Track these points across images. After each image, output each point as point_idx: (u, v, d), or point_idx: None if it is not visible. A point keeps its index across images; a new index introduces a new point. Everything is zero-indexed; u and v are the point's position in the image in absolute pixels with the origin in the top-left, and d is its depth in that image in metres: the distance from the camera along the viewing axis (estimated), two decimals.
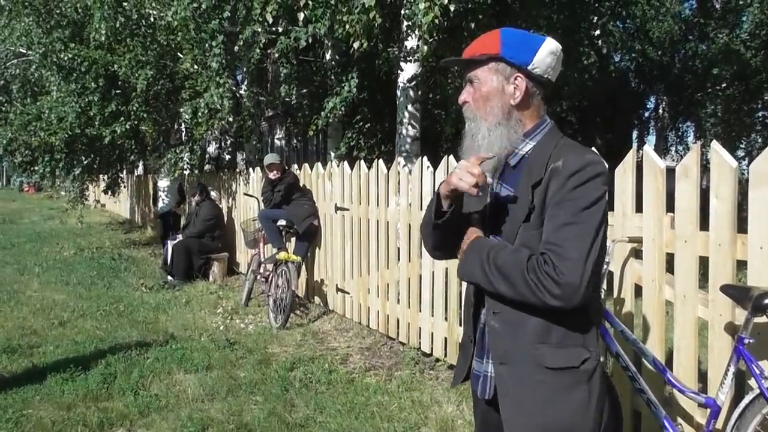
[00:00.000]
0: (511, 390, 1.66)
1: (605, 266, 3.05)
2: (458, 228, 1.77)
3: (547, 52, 1.66)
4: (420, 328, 5.03)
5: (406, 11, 6.48)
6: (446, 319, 4.73)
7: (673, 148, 21.91)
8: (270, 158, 7.00)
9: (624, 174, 3.31)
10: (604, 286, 2.98)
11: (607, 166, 1.61)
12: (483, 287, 1.68)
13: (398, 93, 8.01)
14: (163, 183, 10.95)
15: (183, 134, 11.61)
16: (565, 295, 1.50)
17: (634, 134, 20.99)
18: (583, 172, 1.54)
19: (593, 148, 3.14)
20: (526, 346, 1.62)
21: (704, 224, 2.89)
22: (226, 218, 9.43)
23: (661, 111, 21.01)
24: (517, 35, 1.69)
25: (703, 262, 2.93)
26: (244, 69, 9.31)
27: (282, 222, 6.50)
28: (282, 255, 6.25)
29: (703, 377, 3.07)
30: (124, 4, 8.65)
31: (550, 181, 1.58)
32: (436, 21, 5.80)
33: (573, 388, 1.60)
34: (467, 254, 1.70)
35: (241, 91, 10.13)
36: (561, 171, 1.57)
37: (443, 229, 1.75)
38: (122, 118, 9.56)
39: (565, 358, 1.60)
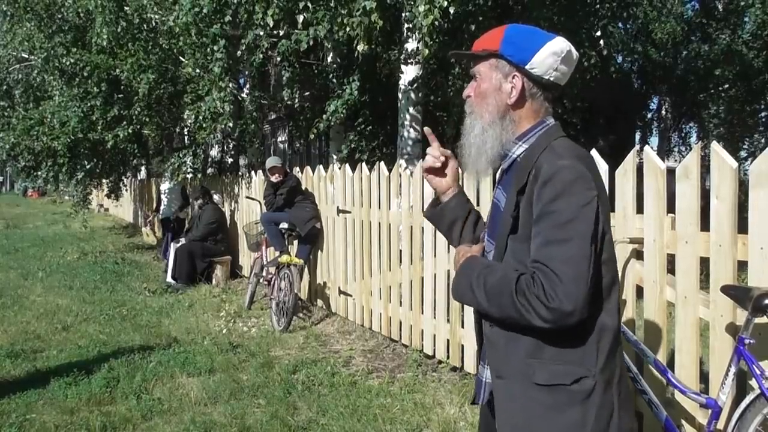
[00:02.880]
0: (503, 404, 1.63)
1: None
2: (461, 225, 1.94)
3: (548, 53, 1.58)
4: (422, 330, 5.03)
5: (407, 13, 6.50)
6: (448, 321, 4.73)
7: (676, 149, 21.91)
8: (272, 161, 7.02)
9: (625, 175, 3.31)
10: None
11: (584, 168, 1.50)
12: (476, 308, 1.67)
13: (399, 95, 8.03)
14: (164, 186, 10.99)
15: (185, 138, 11.65)
16: (555, 319, 1.42)
17: (637, 135, 20.98)
18: (555, 182, 1.46)
19: (593, 149, 3.15)
20: (519, 360, 1.56)
21: (705, 225, 2.89)
22: (228, 221, 9.44)
23: (663, 112, 21.00)
24: (522, 32, 1.64)
25: (704, 262, 2.93)
26: (246, 72, 9.35)
27: (284, 225, 6.51)
28: (284, 258, 6.26)
29: (704, 378, 3.07)
30: (126, 8, 8.68)
31: (533, 188, 1.51)
32: (437, 23, 5.81)
33: (564, 408, 1.51)
34: (458, 276, 1.66)
35: (243, 95, 10.15)
36: (538, 179, 1.50)
37: (436, 221, 1.98)
38: (125, 123, 9.60)
39: (554, 374, 1.52)
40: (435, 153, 1.87)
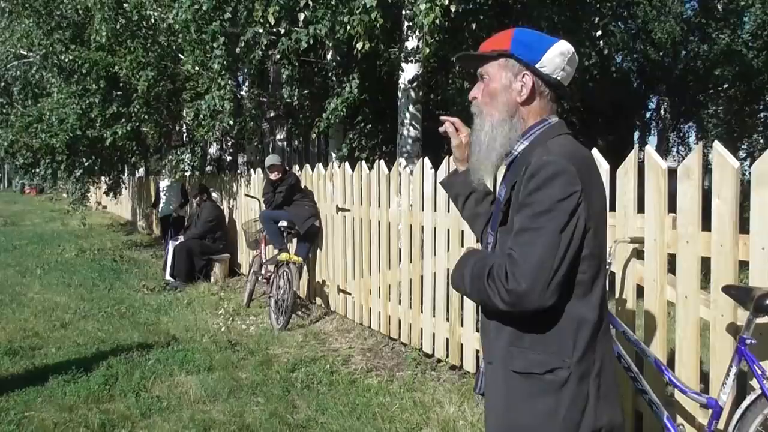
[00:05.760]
0: (490, 389, 1.71)
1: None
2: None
3: (557, 53, 1.66)
4: (421, 328, 5.03)
5: (408, 12, 6.48)
6: (448, 320, 4.73)
7: (675, 149, 21.93)
8: (271, 159, 7.00)
9: (626, 175, 3.31)
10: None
11: (569, 164, 1.53)
12: (466, 296, 1.74)
13: (399, 94, 8.01)
14: (163, 183, 10.98)
15: (184, 136, 11.62)
16: (512, 301, 1.49)
17: (636, 135, 21.00)
18: (538, 175, 1.52)
19: (594, 148, 3.14)
20: (503, 347, 1.63)
21: (706, 225, 2.89)
22: (227, 219, 9.43)
23: (662, 112, 21.01)
24: (529, 34, 1.71)
25: (705, 262, 2.92)
26: (246, 70, 9.32)
27: (283, 223, 6.50)
28: (283, 256, 6.25)
29: (704, 378, 3.07)
30: (125, 5, 8.65)
31: (521, 183, 1.57)
32: (438, 21, 5.80)
33: (537, 396, 1.57)
34: (456, 266, 1.74)
35: (243, 93, 10.14)
36: (526, 173, 1.56)
37: (446, 190, 2.09)
38: (123, 120, 9.57)
39: (529, 363, 1.58)
40: (452, 119, 1.98)
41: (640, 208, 3.26)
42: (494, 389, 1.68)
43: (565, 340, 1.56)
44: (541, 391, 1.57)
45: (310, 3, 6.63)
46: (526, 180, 1.54)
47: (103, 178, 12.93)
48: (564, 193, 1.50)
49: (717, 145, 2.85)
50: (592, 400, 1.57)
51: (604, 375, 1.61)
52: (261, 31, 7.20)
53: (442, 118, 2.02)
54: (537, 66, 1.66)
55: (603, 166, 3.33)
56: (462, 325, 4.56)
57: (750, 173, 2.72)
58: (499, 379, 1.65)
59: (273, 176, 6.87)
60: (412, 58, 7.47)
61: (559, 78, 1.68)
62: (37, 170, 11.49)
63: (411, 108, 7.85)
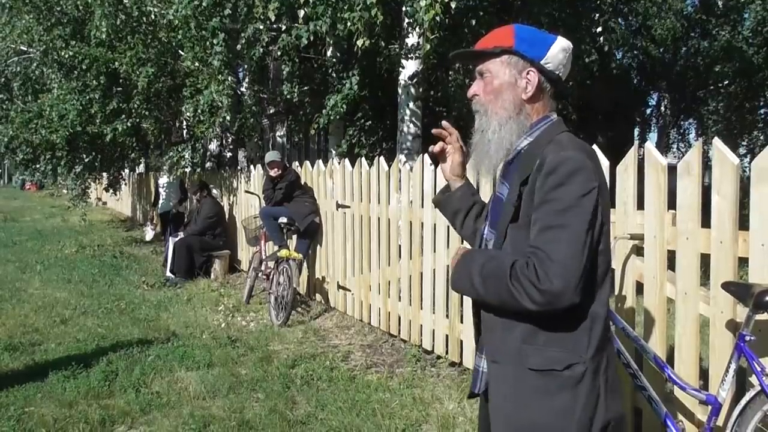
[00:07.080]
0: (497, 388, 1.67)
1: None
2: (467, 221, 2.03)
3: (559, 48, 1.66)
4: (421, 325, 5.03)
5: (408, 8, 6.48)
6: (447, 316, 4.73)
7: (675, 146, 21.92)
8: (271, 156, 7.00)
9: (626, 171, 3.31)
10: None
11: (587, 159, 1.54)
12: (474, 298, 1.72)
13: (399, 90, 8.01)
14: (162, 180, 10.98)
15: (184, 132, 11.62)
16: (545, 302, 1.47)
17: (636, 132, 20.98)
18: (558, 171, 1.51)
19: (594, 145, 3.14)
20: (514, 345, 1.60)
21: (706, 221, 2.89)
22: (227, 216, 9.43)
23: (663, 108, 21.00)
24: (530, 31, 1.70)
25: (705, 259, 2.92)
26: (246, 66, 9.33)
27: (283, 219, 6.51)
28: (283, 252, 6.25)
29: (704, 374, 3.07)
30: (125, 1, 8.64)
31: (536, 179, 1.55)
32: (438, 18, 5.80)
33: (556, 392, 1.55)
34: (457, 266, 1.71)
35: (243, 89, 10.13)
36: (542, 170, 1.54)
37: (442, 208, 2.10)
38: (123, 116, 9.58)
39: (547, 360, 1.56)
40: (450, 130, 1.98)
41: (640, 205, 3.26)
42: (501, 388, 1.65)
43: (580, 336, 1.56)
44: (559, 387, 1.55)
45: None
46: (545, 175, 1.52)
47: (103, 174, 12.93)
48: (585, 189, 1.50)
49: (717, 142, 2.84)
50: (603, 394, 1.58)
51: (611, 368, 1.62)
52: (261, 27, 7.20)
53: (437, 130, 1.98)
54: (542, 62, 1.65)
55: (603, 162, 3.33)
56: (462, 322, 4.57)
57: (750, 170, 2.72)
58: (509, 377, 1.62)
59: (273, 173, 6.86)
60: (412, 55, 7.46)
61: (560, 74, 1.69)
62: (37, 166, 11.49)
63: (411, 105, 7.85)
